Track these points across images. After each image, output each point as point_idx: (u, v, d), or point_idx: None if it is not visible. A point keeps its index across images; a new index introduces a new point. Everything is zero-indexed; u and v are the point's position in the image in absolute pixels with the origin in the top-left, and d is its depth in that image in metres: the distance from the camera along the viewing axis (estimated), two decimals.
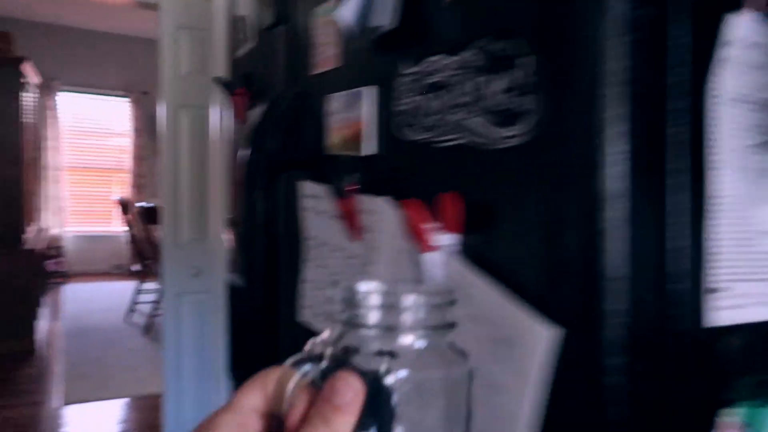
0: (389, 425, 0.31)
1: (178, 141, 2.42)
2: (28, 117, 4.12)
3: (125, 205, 5.07)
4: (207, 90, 2.41)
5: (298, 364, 0.32)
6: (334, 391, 0.30)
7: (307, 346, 0.34)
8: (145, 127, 6.52)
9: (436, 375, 0.33)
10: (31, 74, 4.24)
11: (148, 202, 5.00)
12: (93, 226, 6.59)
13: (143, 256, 4.92)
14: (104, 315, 5.00)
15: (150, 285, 4.91)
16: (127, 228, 5.08)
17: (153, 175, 6.58)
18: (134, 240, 5.01)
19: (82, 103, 6.37)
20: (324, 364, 0.32)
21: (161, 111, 2.44)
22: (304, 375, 0.32)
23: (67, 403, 3.26)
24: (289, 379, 0.32)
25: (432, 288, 0.37)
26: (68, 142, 6.29)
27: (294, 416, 0.30)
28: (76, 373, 3.66)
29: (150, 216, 4.58)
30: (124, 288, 5.78)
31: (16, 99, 3.87)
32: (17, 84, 3.89)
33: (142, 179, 6.52)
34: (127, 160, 6.55)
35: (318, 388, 0.31)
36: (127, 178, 6.55)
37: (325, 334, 0.34)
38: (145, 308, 4.80)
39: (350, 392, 0.30)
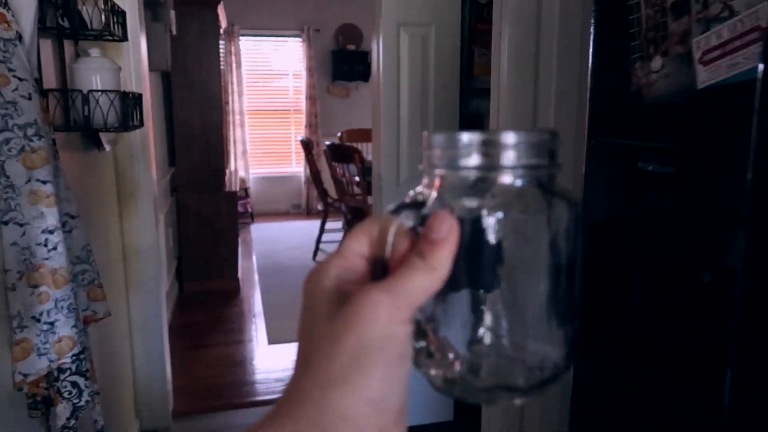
0: (489, 263, 0.32)
1: (398, 66, 2.17)
2: (221, 63, 4.17)
3: (308, 145, 5.08)
4: (432, 3, 2.13)
5: (399, 211, 0.33)
6: (429, 228, 0.31)
7: (410, 194, 0.34)
8: (317, 66, 6.50)
9: (537, 216, 0.33)
10: (221, 19, 4.25)
11: (328, 141, 4.95)
12: (272, 167, 6.82)
13: (327, 196, 4.93)
14: (292, 254, 5.14)
15: (333, 224, 4.93)
16: (309, 168, 5.12)
17: (325, 113, 6.60)
18: (317, 180, 5.03)
19: (258, 47, 6.48)
20: (424, 210, 0.33)
21: (377, 33, 2.20)
22: (405, 220, 0.33)
23: (271, 343, 3.33)
24: (395, 225, 0.32)
25: (534, 130, 0.37)
26: (248, 85, 6.46)
27: (395, 257, 0.32)
28: (276, 313, 3.75)
29: (337, 154, 4.51)
30: (305, 227, 5.94)
31: (215, 44, 3.90)
32: (216, 29, 3.91)
33: (315, 118, 6.56)
34: (301, 101, 6.61)
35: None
36: (301, 118, 6.63)
37: (426, 182, 0.34)
38: (330, 247, 4.84)
39: (444, 227, 0.31)
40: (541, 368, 0.34)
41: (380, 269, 0.33)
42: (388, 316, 0.30)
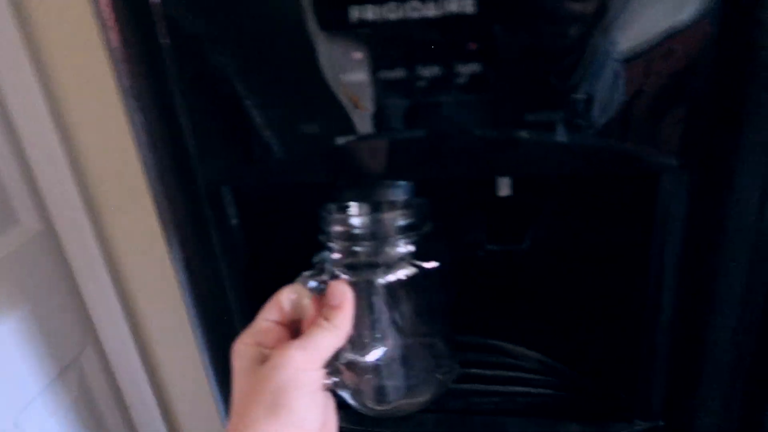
0: (381, 315, 0.45)
1: None
2: None
3: None
4: None
5: (305, 280, 0.43)
6: (329, 296, 0.42)
7: (315, 264, 0.44)
8: None
9: (415, 274, 0.45)
10: None
11: None
12: None
13: None
14: None
15: None
16: None
17: None
18: None
19: None
20: (324, 277, 0.43)
21: None
22: (314, 289, 0.43)
23: None
24: (302, 294, 0.43)
25: (408, 203, 0.46)
26: None
27: (308, 320, 0.42)
28: None
29: None
30: None
31: None
32: None
33: None
34: None
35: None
36: None
37: (327, 253, 0.46)
38: None
39: (339, 294, 0.41)
40: (440, 383, 0.49)
41: (295, 330, 0.43)
42: (302, 365, 0.38)
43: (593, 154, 0.40)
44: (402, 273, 0.45)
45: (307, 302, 0.42)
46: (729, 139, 0.39)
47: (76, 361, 0.95)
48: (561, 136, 0.40)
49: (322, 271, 0.44)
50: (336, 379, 0.44)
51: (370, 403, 0.47)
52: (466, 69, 0.38)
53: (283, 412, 0.36)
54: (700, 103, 0.38)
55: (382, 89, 0.39)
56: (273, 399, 0.36)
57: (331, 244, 0.46)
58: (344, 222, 0.45)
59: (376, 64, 0.39)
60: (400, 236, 0.45)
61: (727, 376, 0.46)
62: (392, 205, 0.46)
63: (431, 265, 0.47)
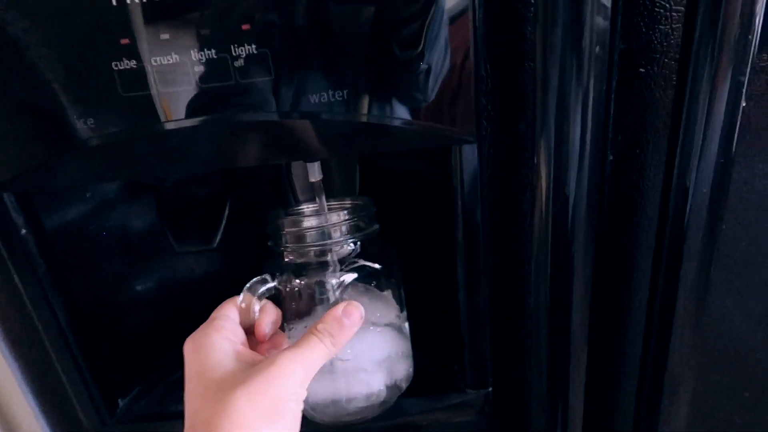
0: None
1: None
2: None
3: None
4: None
5: (256, 286, 0.44)
6: (344, 313, 0.41)
7: (263, 272, 0.45)
8: None
9: (370, 269, 0.47)
10: None
11: None
12: None
13: None
14: None
15: None
16: None
17: None
18: None
19: None
20: (275, 282, 0.45)
21: None
22: (264, 293, 0.44)
23: None
24: (251, 301, 0.44)
25: (355, 203, 0.48)
26: None
27: (262, 324, 0.44)
28: None
29: None
30: None
31: None
32: None
33: None
34: None
35: (273, 301, 0.45)
36: None
37: (278, 257, 0.47)
38: None
39: (356, 316, 0.42)
40: (400, 385, 0.49)
41: (249, 332, 0.44)
42: (302, 382, 0.39)
43: (386, 133, 0.40)
44: (352, 273, 0.46)
45: (257, 308, 0.44)
46: (511, 113, 0.40)
47: None
48: (363, 116, 0.40)
49: (273, 276, 0.45)
50: None
51: (325, 410, 0.47)
52: (242, 51, 0.37)
53: (280, 423, 0.37)
54: (482, 83, 0.39)
55: (176, 74, 0.37)
56: (271, 407, 0.37)
57: (282, 248, 0.47)
58: (297, 224, 0.46)
59: (152, 48, 0.37)
60: (349, 236, 0.46)
61: (539, 339, 0.48)
62: (341, 205, 0.48)
63: (377, 265, 0.47)
